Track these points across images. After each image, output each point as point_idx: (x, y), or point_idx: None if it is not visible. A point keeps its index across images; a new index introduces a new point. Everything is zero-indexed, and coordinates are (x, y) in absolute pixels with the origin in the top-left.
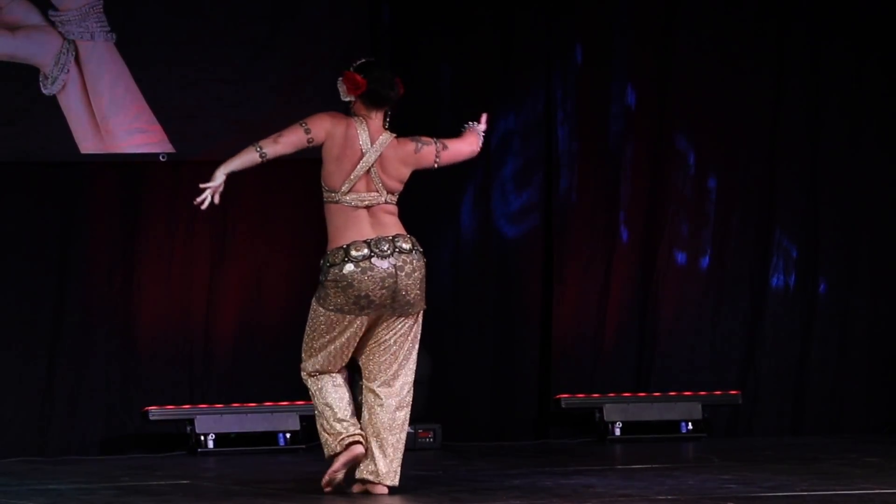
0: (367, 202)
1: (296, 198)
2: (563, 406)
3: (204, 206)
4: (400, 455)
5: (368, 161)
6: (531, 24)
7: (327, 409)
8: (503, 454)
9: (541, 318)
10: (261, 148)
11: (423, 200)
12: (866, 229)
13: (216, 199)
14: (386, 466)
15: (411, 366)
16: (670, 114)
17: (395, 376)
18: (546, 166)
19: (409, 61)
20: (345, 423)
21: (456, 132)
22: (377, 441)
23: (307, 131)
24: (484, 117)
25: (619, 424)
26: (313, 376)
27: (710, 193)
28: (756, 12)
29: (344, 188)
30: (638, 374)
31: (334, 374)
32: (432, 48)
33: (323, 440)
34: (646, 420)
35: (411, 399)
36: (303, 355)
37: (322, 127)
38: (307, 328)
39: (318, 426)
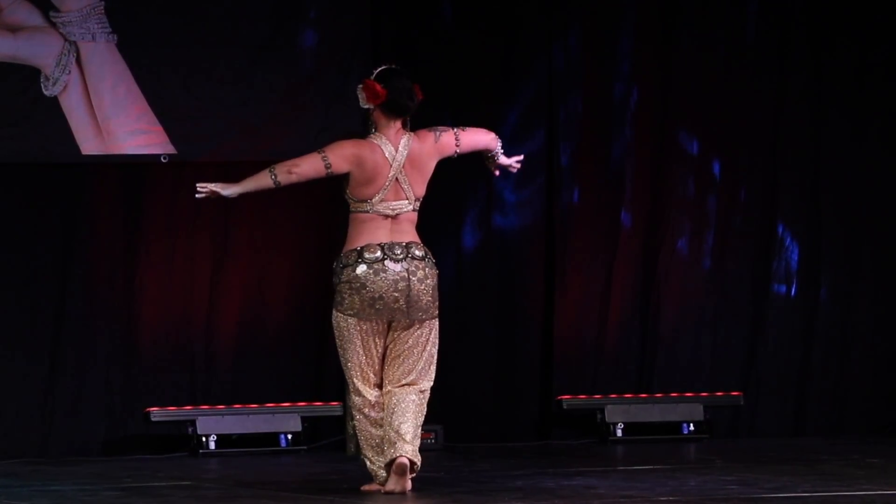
0: (396, 210)
1: (297, 198)
2: (565, 407)
3: (198, 196)
4: (418, 441)
5: (397, 169)
6: (533, 19)
7: (366, 441)
8: (505, 455)
9: (542, 318)
10: (275, 176)
11: (425, 199)
12: (869, 230)
13: (212, 198)
14: (408, 446)
15: (430, 373)
16: (673, 114)
17: (414, 382)
18: (548, 165)
19: (410, 62)
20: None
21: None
22: (395, 431)
23: (327, 164)
24: (518, 158)
25: (620, 425)
26: (357, 407)
27: (713, 195)
28: (759, 11)
29: (375, 199)
30: (640, 375)
31: (379, 408)
32: (434, 48)
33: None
34: (647, 421)
35: (426, 401)
36: (344, 372)
37: (343, 158)
38: (336, 342)
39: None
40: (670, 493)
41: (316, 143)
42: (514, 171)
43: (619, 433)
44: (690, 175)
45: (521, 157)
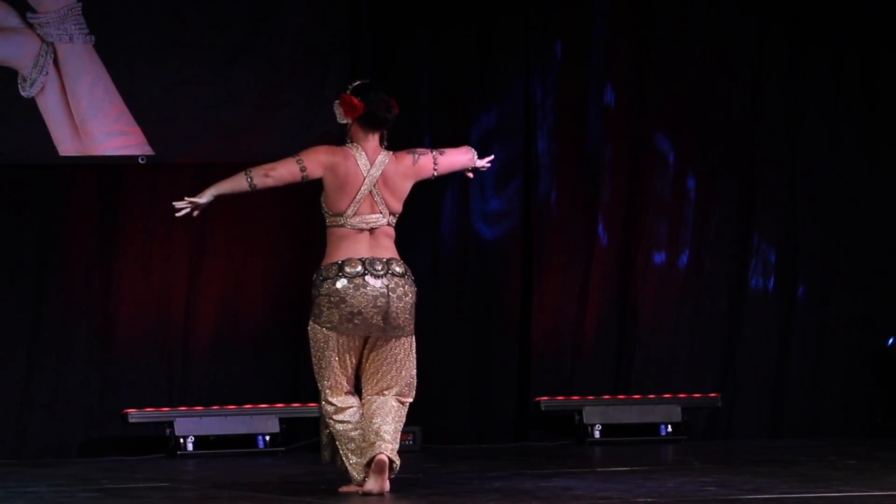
0: (370, 224)
1: (275, 200)
2: (543, 409)
3: (178, 215)
4: (397, 444)
5: (370, 183)
6: (510, 24)
7: (344, 445)
8: (483, 457)
9: (520, 320)
10: (251, 179)
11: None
12: (845, 232)
13: (195, 214)
14: (387, 445)
15: (412, 391)
16: (649, 116)
17: (398, 395)
18: (525, 168)
19: (387, 63)
20: (361, 462)
21: (435, 134)
22: (374, 433)
23: (302, 168)
24: (489, 158)
25: (598, 427)
26: (330, 415)
27: (690, 196)
28: (735, 14)
29: (349, 212)
30: (617, 377)
31: (351, 413)
32: (411, 50)
33: (342, 467)
34: (625, 422)
35: (405, 411)
36: (317, 381)
37: (318, 162)
38: (311, 352)
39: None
40: (648, 495)
41: (295, 144)
42: (485, 169)
43: (597, 434)
44: (667, 176)
45: (492, 157)
